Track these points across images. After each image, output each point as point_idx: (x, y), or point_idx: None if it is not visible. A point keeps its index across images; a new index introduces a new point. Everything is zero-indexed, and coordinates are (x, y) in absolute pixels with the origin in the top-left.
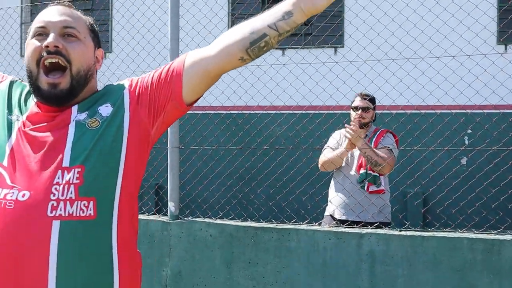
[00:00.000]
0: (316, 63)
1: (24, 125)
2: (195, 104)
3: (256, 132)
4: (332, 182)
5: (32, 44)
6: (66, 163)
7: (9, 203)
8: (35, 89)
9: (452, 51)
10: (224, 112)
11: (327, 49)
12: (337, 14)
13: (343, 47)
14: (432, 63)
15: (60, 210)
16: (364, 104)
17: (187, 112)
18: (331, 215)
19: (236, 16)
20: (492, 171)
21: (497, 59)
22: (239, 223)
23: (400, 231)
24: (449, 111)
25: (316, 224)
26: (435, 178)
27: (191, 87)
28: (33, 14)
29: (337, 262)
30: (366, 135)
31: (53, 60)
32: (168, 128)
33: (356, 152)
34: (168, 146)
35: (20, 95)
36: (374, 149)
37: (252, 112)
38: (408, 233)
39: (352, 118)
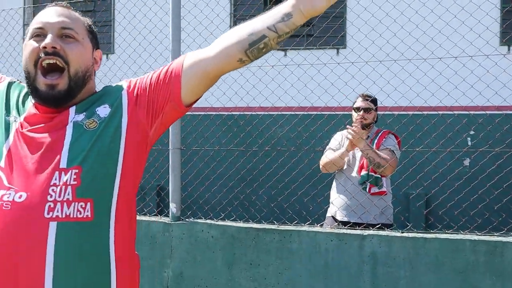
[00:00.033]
0: (318, 64)
1: (21, 126)
2: (197, 105)
3: (258, 133)
4: (334, 184)
5: (29, 45)
6: (63, 164)
7: (6, 204)
8: (33, 90)
9: (455, 52)
10: (226, 113)
11: (329, 50)
12: (339, 15)
13: (345, 48)
14: (434, 64)
15: (57, 211)
16: (366, 105)
17: (187, 113)
18: (332, 217)
19: (237, 17)
20: (495, 172)
21: (500, 60)
22: (241, 224)
23: (402, 232)
24: (451, 112)
25: (318, 225)
26: (438, 180)
27: (189, 88)
28: (36, 15)
29: (339, 264)
30: (368, 136)
31: (51, 61)
32: (170, 129)
33: (358, 154)
34: (170, 147)
35: (18, 96)
36: (376, 151)
37: (253, 113)
38: (410, 234)
39: (354, 119)
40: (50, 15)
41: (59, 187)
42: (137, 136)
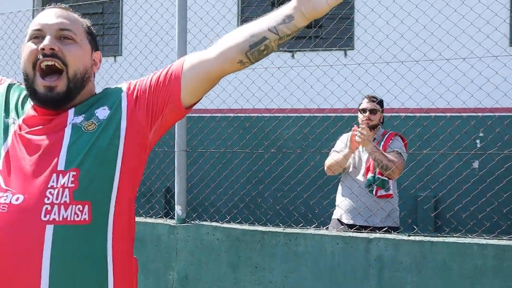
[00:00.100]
0: (324, 66)
1: (20, 128)
2: (203, 107)
3: (264, 135)
4: (340, 186)
5: (28, 47)
6: (61, 166)
7: (2, 206)
8: (32, 92)
9: (463, 53)
10: (232, 115)
11: (336, 52)
12: (346, 16)
13: (353, 49)
14: (442, 65)
15: (54, 214)
16: (372, 106)
17: (193, 115)
18: (338, 219)
19: (244, 19)
20: (504, 175)
21: (509, 61)
22: (246, 227)
23: (409, 236)
24: (459, 114)
25: (324, 228)
26: (445, 182)
27: (189, 90)
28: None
29: (344, 267)
30: (375, 138)
31: (49, 63)
32: (176, 131)
33: (364, 156)
34: (176, 149)
35: (18, 98)
36: (384, 153)
37: (259, 115)
38: (417, 238)
39: (359, 121)
40: (49, 16)
41: (56, 190)
42: (137, 138)
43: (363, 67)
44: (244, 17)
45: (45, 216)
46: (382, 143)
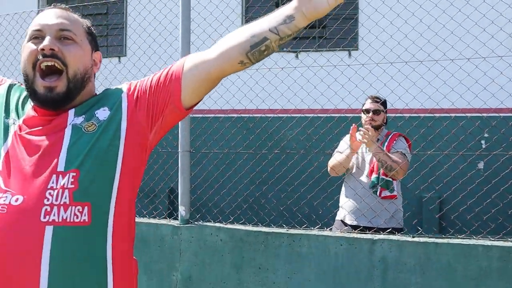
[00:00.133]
0: (328, 66)
1: (20, 129)
2: (206, 108)
3: (267, 136)
4: (343, 187)
5: (28, 47)
6: (61, 167)
7: (1, 207)
8: (32, 92)
9: (467, 53)
10: (235, 115)
11: (340, 52)
12: (350, 16)
13: (357, 49)
14: (446, 65)
15: (54, 215)
16: (375, 107)
17: (196, 115)
18: (342, 220)
19: (247, 19)
20: (509, 176)
21: None
22: (250, 227)
23: (413, 237)
24: (464, 115)
25: (327, 229)
26: (450, 183)
27: (190, 91)
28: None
29: (348, 269)
30: (378, 139)
31: (49, 63)
32: (179, 132)
33: (368, 157)
34: (179, 149)
35: (18, 98)
36: (388, 153)
37: (263, 115)
38: (422, 239)
39: (363, 121)
40: (49, 17)
41: (56, 191)
42: (137, 139)
43: (367, 68)
44: (248, 17)
45: (44, 217)
46: (386, 143)
